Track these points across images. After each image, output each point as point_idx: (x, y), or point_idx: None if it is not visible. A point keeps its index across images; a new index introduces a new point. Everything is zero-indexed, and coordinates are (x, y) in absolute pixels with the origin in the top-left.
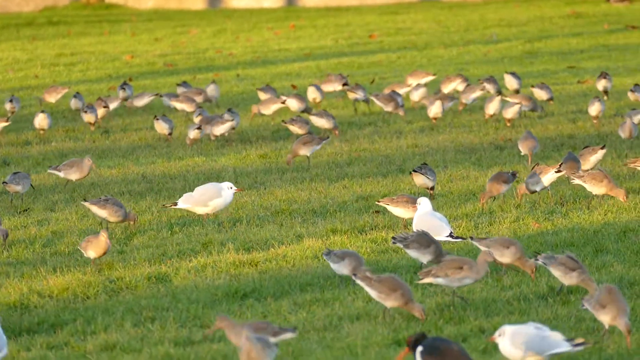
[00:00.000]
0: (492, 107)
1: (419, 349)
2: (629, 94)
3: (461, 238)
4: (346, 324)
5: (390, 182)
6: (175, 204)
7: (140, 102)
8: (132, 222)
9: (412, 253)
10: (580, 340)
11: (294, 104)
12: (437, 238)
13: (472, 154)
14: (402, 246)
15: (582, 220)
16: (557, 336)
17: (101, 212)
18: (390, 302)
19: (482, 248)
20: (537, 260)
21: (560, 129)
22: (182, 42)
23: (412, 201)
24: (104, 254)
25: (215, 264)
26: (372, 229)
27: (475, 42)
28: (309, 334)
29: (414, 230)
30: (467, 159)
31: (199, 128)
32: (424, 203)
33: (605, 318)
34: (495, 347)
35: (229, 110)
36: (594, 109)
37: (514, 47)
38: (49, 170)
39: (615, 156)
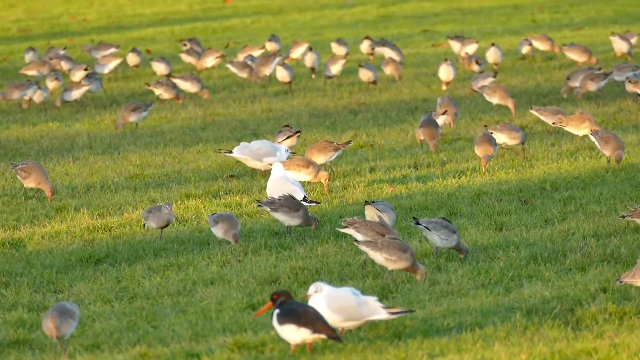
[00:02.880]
0: (334, 69)
1: (276, 311)
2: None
3: (315, 202)
4: (200, 289)
5: None
6: (230, 152)
7: None
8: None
9: (280, 216)
10: (397, 309)
11: (160, 68)
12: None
13: (326, 118)
14: (269, 209)
15: (436, 183)
16: (374, 303)
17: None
18: (399, 265)
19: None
20: (420, 224)
21: (415, 93)
22: (36, 8)
23: (306, 164)
24: (166, 226)
25: (70, 229)
26: (227, 194)
27: (330, 6)
28: (163, 298)
29: (268, 195)
30: (322, 123)
31: (39, 88)
32: (276, 168)
33: None
34: None
35: (88, 76)
36: (443, 72)
37: (369, 11)
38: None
39: (469, 119)
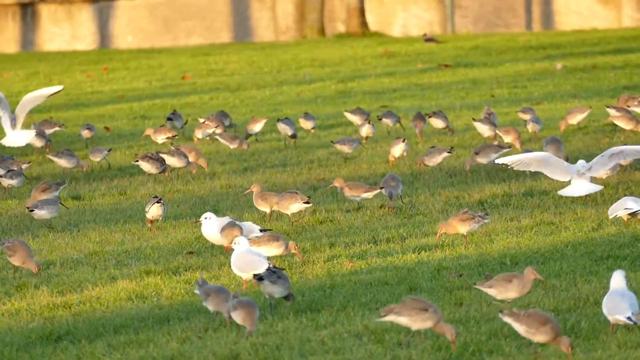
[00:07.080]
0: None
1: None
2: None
3: (281, 268)
4: None
5: None
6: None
7: None
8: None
9: (277, 289)
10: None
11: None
12: (258, 272)
13: None
14: (268, 282)
15: (396, 258)
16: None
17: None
18: (539, 337)
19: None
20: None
21: (374, 169)
22: None
23: (275, 239)
24: None
25: (29, 307)
26: (186, 270)
27: (288, 82)
28: None
29: (233, 269)
30: None
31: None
32: (242, 242)
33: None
34: None
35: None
36: (398, 149)
37: (327, 87)
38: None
39: (428, 195)
